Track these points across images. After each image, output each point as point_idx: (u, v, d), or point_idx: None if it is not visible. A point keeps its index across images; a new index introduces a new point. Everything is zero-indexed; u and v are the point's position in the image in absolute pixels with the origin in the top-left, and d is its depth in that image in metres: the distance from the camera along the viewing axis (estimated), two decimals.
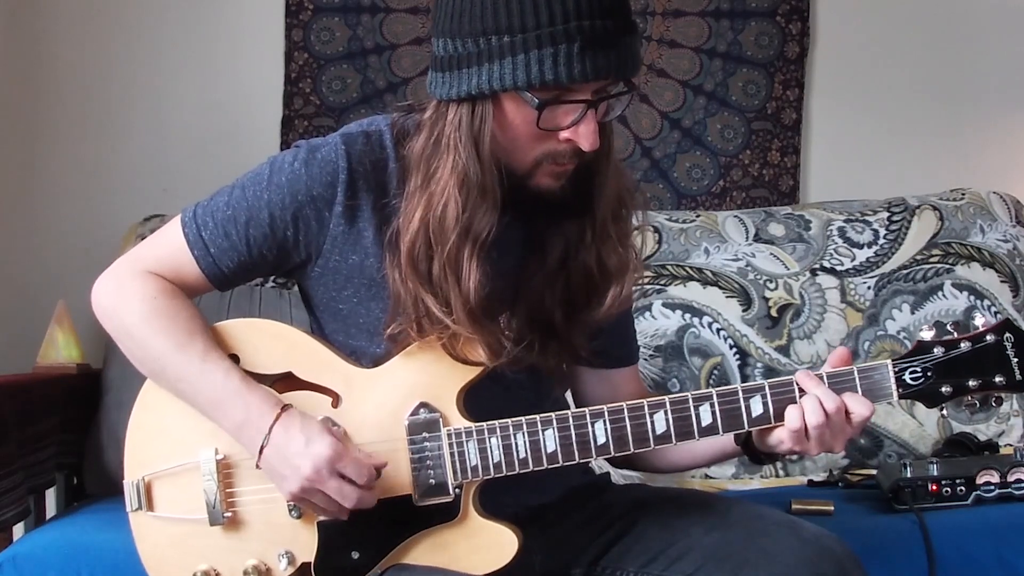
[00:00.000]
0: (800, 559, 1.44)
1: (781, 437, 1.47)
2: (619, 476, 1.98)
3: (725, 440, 1.56)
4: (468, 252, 1.44)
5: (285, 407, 1.46)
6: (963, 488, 2.04)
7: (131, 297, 1.51)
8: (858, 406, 1.43)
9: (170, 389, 1.52)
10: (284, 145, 2.96)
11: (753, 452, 1.54)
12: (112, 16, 2.97)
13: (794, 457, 2.43)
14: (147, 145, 2.97)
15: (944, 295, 2.62)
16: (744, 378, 2.54)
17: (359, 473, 1.43)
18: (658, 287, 2.61)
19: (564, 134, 1.41)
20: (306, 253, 1.53)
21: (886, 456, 2.48)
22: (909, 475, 2.04)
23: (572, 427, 1.47)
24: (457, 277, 1.44)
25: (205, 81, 3.00)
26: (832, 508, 2.05)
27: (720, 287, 2.62)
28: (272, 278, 2.46)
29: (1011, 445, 2.38)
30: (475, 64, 1.39)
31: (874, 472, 2.28)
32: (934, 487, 2.03)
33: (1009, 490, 2.04)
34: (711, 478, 2.45)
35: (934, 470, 2.05)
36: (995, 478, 2.05)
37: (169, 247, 1.54)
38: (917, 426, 2.50)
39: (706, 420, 1.46)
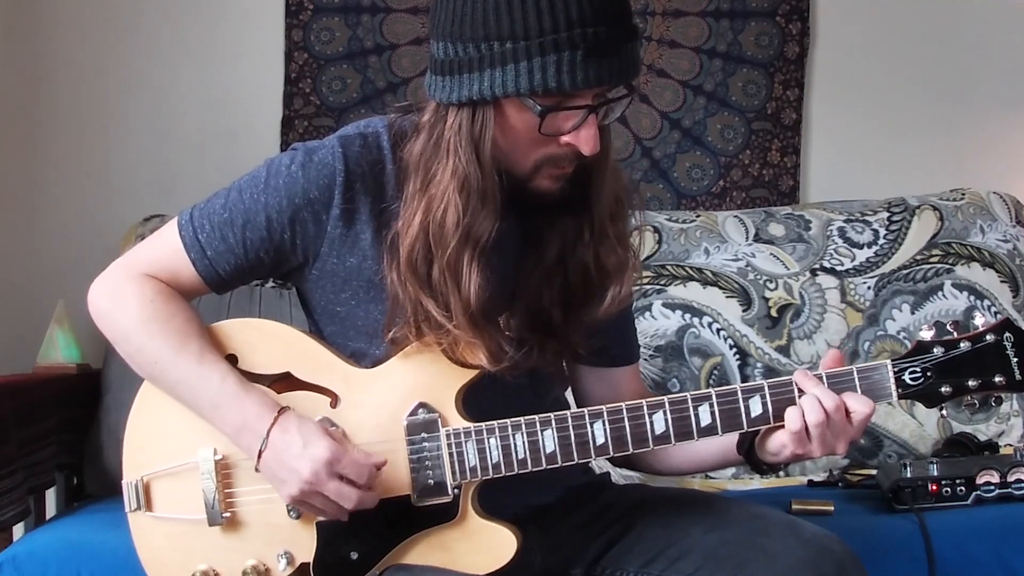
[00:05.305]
0: (800, 559, 1.44)
1: (784, 441, 1.46)
2: (619, 476, 1.98)
3: (727, 448, 1.55)
4: (468, 257, 1.43)
5: (282, 410, 1.46)
6: (963, 488, 2.04)
7: (127, 300, 1.51)
8: (858, 404, 1.43)
9: (168, 392, 1.51)
10: (284, 145, 2.96)
11: (755, 462, 1.53)
12: (112, 16, 2.96)
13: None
14: (147, 145, 2.97)
15: (944, 295, 2.62)
16: (744, 378, 2.54)
17: (359, 473, 1.43)
18: (658, 287, 2.61)
19: (565, 138, 1.41)
20: (303, 256, 1.53)
21: (886, 456, 2.48)
22: (909, 475, 2.04)
23: (571, 428, 1.47)
24: (457, 282, 1.43)
25: (205, 81, 3.00)
26: (832, 508, 2.05)
27: (720, 287, 2.61)
28: (272, 279, 2.46)
29: (1011, 445, 2.38)
30: (477, 69, 1.38)
31: (874, 472, 2.28)
32: (934, 487, 2.03)
33: (1009, 490, 2.04)
34: (711, 478, 2.45)
35: (934, 470, 2.05)
36: (995, 478, 2.04)
37: (166, 250, 1.54)
38: (917, 426, 2.50)
39: (705, 420, 1.46)
